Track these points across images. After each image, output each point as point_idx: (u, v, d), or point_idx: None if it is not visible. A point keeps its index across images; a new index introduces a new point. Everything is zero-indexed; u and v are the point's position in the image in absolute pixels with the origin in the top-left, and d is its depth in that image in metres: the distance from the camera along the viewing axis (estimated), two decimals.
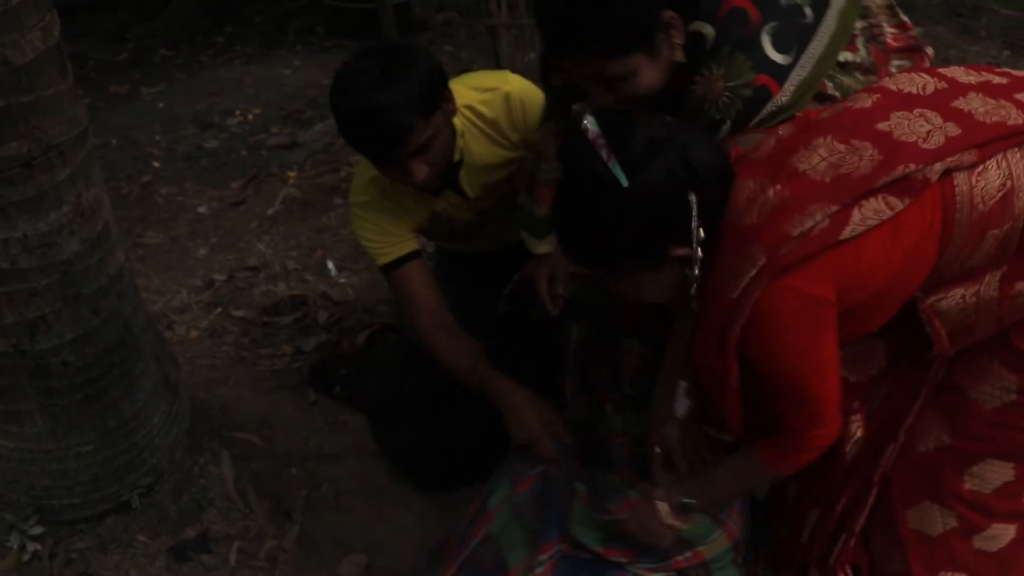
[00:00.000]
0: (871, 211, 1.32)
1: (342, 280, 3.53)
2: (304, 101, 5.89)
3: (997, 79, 1.48)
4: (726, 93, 1.56)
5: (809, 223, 1.31)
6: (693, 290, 1.45)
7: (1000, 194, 1.35)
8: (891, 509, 1.76)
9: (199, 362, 3.10)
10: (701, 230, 1.38)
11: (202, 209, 4.59)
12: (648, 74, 1.56)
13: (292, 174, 4.87)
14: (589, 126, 1.38)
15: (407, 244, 2.19)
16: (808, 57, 1.60)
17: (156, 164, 5.16)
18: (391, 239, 2.17)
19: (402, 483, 2.43)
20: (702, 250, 1.40)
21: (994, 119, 1.37)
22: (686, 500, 1.70)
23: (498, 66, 4.22)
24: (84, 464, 2.25)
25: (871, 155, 1.34)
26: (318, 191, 4.62)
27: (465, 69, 5.94)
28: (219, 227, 4.37)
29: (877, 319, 1.48)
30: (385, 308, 3.24)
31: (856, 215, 1.32)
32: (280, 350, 3.08)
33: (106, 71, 6.42)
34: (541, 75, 2.00)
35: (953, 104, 1.40)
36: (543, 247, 2.18)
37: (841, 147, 1.37)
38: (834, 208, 1.31)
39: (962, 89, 1.44)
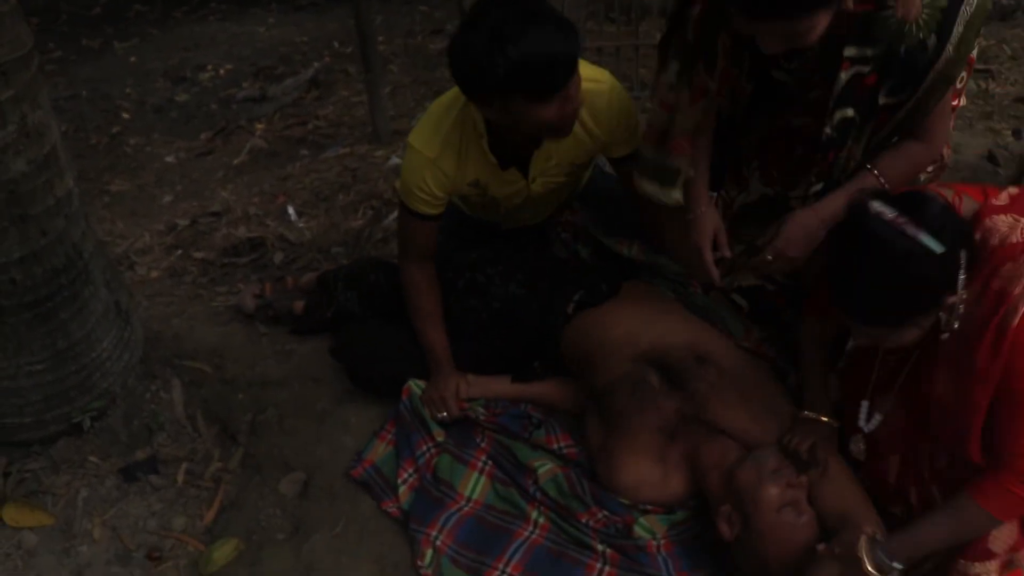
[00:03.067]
0: None
1: (301, 224, 3.60)
2: (276, 57, 5.94)
3: None
4: (925, 10, 1.66)
5: None
6: (948, 331, 1.63)
7: None
8: None
9: (157, 299, 3.18)
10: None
11: (169, 159, 4.65)
12: (824, 24, 1.64)
13: (260, 126, 4.93)
14: (884, 209, 1.54)
15: (437, 208, 2.28)
16: None
17: (126, 116, 5.21)
18: (428, 198, 2.24)
19: (342, 406, 2.51)
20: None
21: None
22: (895, 564, 1.75)
23: None
24: (35, 383, 2.31)
25: None
26: (285, 142, 4.68)
27: (439, 29, 6.00)
28: (185, 176, 4.44)
29: None
30: (339, 250, 3.32)
31: None
32: (236, 288, 3.15)
33: (79, 25, 6.42)
34: (671, 32, 2.00)
35: None
36: (675, 194, 2.12)
37: None
38: None
39: None
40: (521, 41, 1.82)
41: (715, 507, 1.95)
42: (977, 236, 1.64)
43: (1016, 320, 1.56)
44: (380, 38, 5.99)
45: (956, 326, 1.62)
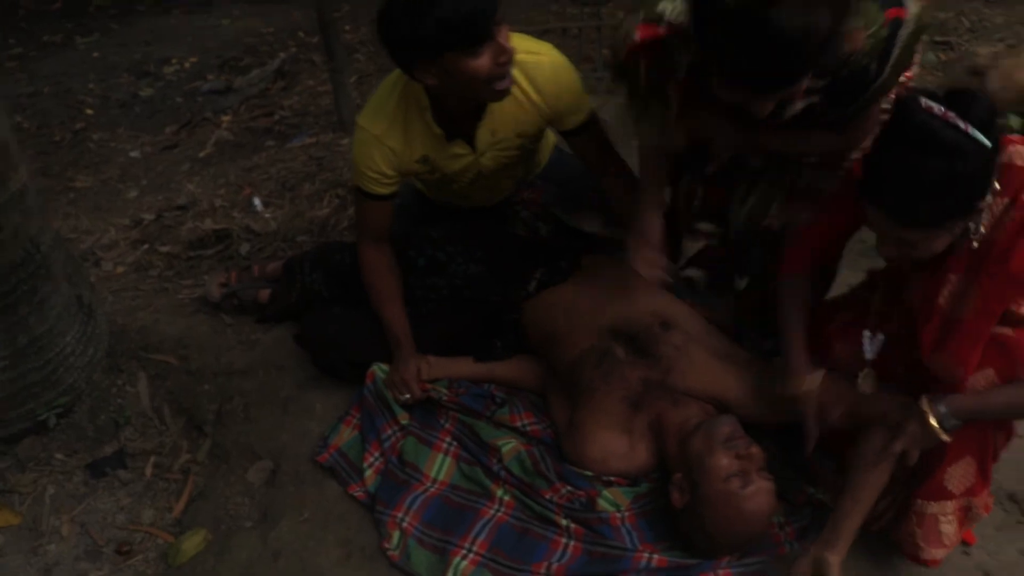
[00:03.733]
0: None
1: (267, 215, 3.59)
2: (242, 48, 5.90)
3: None
4: (868, 41, 1.72)
5: None
6: (977, 239, 1.65)
7: None
8: None
9: (123, 294, 3.16)
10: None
11: (134, 153, 4.62)
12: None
13: (226, 118, 4.90)
14: (935, 105, 1.54)
15: (389, 187, 2.30)
16: None
17: (89, 111, 5.16)
18: (378, 177, 2.25)
19: (307, 392, 2.52)
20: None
21: None
22: (953, 421, 1.79)
23: None
24: None
25: None
26: (250, 134, 4.66)
27: None
28: (150, 170, 4.41)
29: None
30: (305, 238, 3.31)
31: None
32: (202, 281, 3.13)
33: (39, 21, 6.36)
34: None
35: None
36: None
37: None
38: None
39: None
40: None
41: (672, 475, 1.98)
42: (1004, 158, 1.65)
43: None
44: (346, 27, 5.99)
45: (983, 232, 1.64)
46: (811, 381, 1.95)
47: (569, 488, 2.10)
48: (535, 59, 2.16)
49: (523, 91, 2.16)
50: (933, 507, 1.88)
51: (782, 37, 1.48)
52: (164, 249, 3.48)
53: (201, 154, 4.47)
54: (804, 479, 2.12)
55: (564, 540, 2.00)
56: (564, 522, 2.02)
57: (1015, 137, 1.70)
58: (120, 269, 3.40)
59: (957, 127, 1.51)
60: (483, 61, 1.95)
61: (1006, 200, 1.63)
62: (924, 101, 1.54)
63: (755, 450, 1.93)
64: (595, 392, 2.13)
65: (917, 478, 1.92)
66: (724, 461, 1.89)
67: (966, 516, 1.92)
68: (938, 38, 4.67)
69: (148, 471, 2.43)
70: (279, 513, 2.21)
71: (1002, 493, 2.16)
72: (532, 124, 2.26)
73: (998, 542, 2.04)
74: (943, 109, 1.53)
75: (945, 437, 1.78)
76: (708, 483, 1.89)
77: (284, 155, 4.21)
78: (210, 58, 5.77)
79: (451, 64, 1.94)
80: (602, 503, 2.06)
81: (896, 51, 1.75)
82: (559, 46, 2.28)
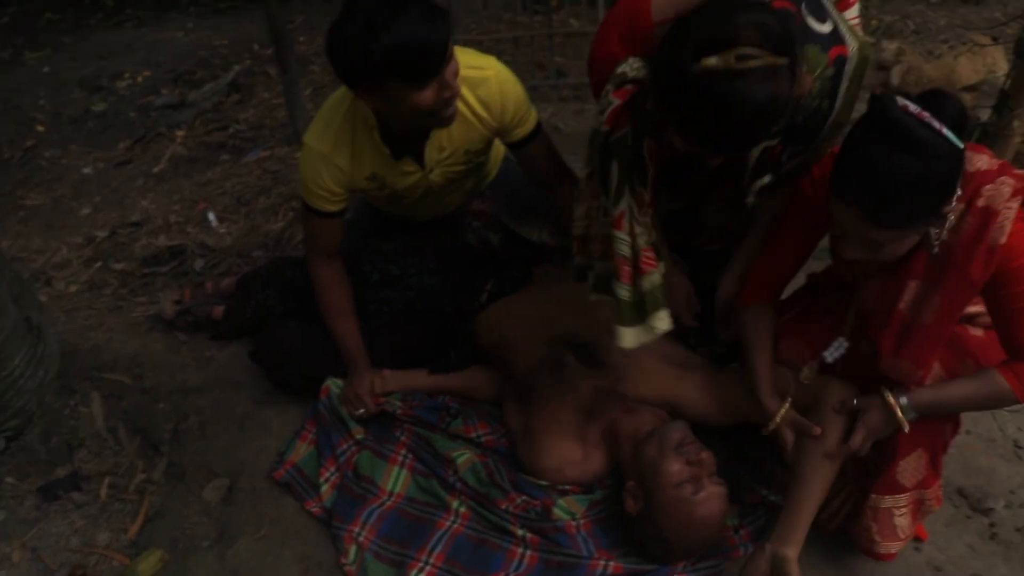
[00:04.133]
0: None
1: (222, 230, 3.57)
2: (195, 62, 5.85)
3: None
4: (815, 83, 1.74)
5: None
6: (937, 245, 1.67)
7: None
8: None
9: (76, 313, 3.13)
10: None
11: (87, 170, 4.57)
12: None
13: (180, 133, 4.86)
14: (910, 103, 1.53)
15: (338, 204, 2.29)
16: (832, 11, 1.78)
17: (40, 128, 5.09)
18: (327, 195, 2.25)
19: (263, 408, 2.51)
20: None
21: None
22: (912, 412, 1.82)
23: None
24: None
25: None
26: (205, 148, 4.63)
27: None
28: (104, 186, 4.36)
29: None
30: (260, 253, 3.30)
31: None
32: (156, 298, 3.11)
33: None
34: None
35: None
36: (660, 320, 1.93)
37: None
38: None
39: None
40: (392, 28, 1.84)
41: (626, 482, 2.00)
42: None
43: (1004, 238, 1.65)
44: (301, 38, 5.97)
45: (944, 238, 1.66)
46: (782, 412, 1.95)
47: (524, 498, 2.11)
48: (480, 74, 2.17)
49: (470, 107, 2.17)
50: (887, 501, 1.92)
51: (747, 109, 1.49)
52: (118, 267, 3.45)
53: (155, 169, 4.43)
54: (757, 481, 2.14)
55: (520, 550, 2.01)
56: (520, 532, 2.03)
57: (968, 144, 1.73)
58: (73, 288, 3.36)
59: (932, 127, 1.52)
60: (426, 95, 1.95)
61: (962, 206, 1.66)
62: (900, 100, 1.54)
63: (706, 455, 1.95)
64: (548, 401, 2.14)
65: (871, 474, 1.95)
66: (675, 467, 1.91)
67: (919, 509, 1.97)
68: (885, 40, 4.75)
69: (103, 492, 2.40)
70: (236, 531, 2.20)
71: (951, 488, 2.20)
72: (479, 139, 2.27)
73: (947, 537, 2.08)
74: (919, 108, 1.53)
75: (906, 428, 1.81)
76: (660, 489, 1.91)
77: (239, 169, 4.19)
78: (164, 72, 5.72)
79: (394, 93, 1.94)
80: (557, 512, 2.07)
81: (843, 87, 1.78)
82: (512, 54, 2.30)
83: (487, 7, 4.99)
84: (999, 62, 3.05)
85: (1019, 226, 1.67)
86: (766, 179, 1.94)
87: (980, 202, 1.66)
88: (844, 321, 1.95)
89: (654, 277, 1.89)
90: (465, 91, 2.13)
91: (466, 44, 4.64)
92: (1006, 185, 1.65)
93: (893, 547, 1.97)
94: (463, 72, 2.04)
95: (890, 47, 3.03)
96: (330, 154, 2.18)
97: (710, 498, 1.90)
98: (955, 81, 3.11)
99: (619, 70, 1.80)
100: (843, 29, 1.77)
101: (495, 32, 4.77)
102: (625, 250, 1.87)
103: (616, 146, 1.85)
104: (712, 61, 1.46)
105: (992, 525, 2.11)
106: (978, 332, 1.90)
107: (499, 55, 4.49)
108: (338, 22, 1.91)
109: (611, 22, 1.88)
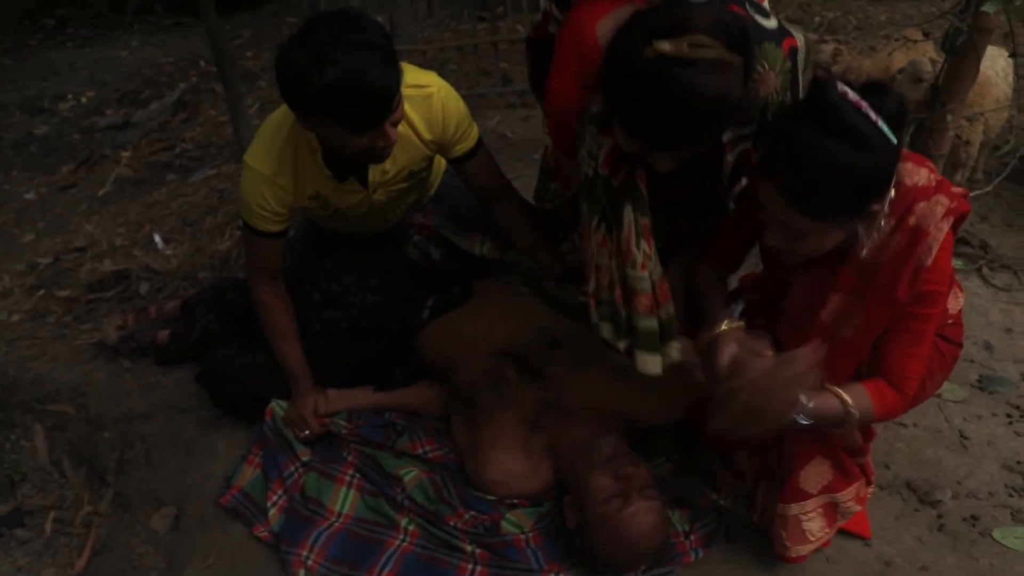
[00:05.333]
0: None
1: (168, 252, 3.52)
2: (141, 81, 5.78)
3: None
4: (778, 79, 1.76)
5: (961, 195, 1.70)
6: (866, 246, 1.66)
7: None
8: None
9: (18, 343, 3.06)
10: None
11: (30, 195, 4.49)
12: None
13: (125, 154, 4.80)
14: (850, 91, 1.49)
15: (280, 224, 2.25)
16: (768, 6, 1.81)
17: None
18: (269, 215, 2.21)
19: (210, 433, 2.47)
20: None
21: None
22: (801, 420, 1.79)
23: None
24: None
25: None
26: (151, 168, 4.57)
27: None
28: (47, 212, 4.28)
29: None
30: (206, 274, 3.25)
31: None
32: (101, 324, 3.06)
33: None
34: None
35: None
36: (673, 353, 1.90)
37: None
38: None
39: None
40: (341, 65, 1.80)
41: (566, 496, 1.99)
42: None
43: (930, 260, 1.65)
44: (248, 53, 5.92)
45: (874, 241, 1.65)
46: (728, 323, 1.88)
47: (473, 513, 2.09)
48: (423, 92, 2.15)
49: (412, 127, 2.16)
50: (793, 508, 1.94)
51: (693, 99, 1.49)
52: (62, 294, 3.39)
53: (100, 192, 4.36)
54: (707, 485, 2.15)
55: (470, 566, 1.99)
56: (469, 548, 2.02)
57: (907, 152, 1.73)
58: (16, 317, 3.29)
59: (868, 117, 1.49)
60: (362, 141, 1.94)
61: (892, 222, 1.66)
62: (840, 85, 1.51)
63: (633, 471, 1.93)
64: (492, 415, 2.13)
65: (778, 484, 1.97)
66: (603, 482, 1.90)
67: (835, 511, 1.98)
68: (828, 37, 4.81)
69: (48, 527, 2.35)
70: (184, 560, 2.16)
71: (899, 482, 2.22)
72: (422, 159, 2.26)
73: (896, 531, 2.09)
74: (857, 97, 1.50)
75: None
76: (589, 505, 1.90)
77: (186, 189, 4.14)
78: (108, 92, 5.65)
79: (328, 129, 1.93)
80: (506, 526, 2.06)
81: (801, 77, 1.80)
82: (458, 63, 2.29)
83: (432, 15, 4.98)
84: (932, 56, 3.09)
85: (946, 249, 1.67)
86: (745, 182, 1.94)
87: (911, 220, 1.66)
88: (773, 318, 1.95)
89: (671, 308, 1.87)
90: (408, 110, 2.10)
91: (411, 55, 4.66)
92: (939, 205, 1.65)
93: (804, 550, 1.98)
94: (405, 91, 2.01)
95: (827, 48, 3.06)
96: (272, 175, 2.14)
97: (638, 513, 1.88)
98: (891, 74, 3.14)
99: (593, 109, 1.78)
100: (783, 23, 1.80)
101: (440, 41, 4.76)
102: (646, 286, 1.84)
103: (624, 190, 1.82)
104: (664, 46, 1.46)
105: (940, 517, 2.13)
106: None
107: (445, 63, 4.50)
108: (292, 42, 1.87)
109: (562, 67, 1.85)
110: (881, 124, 1.50)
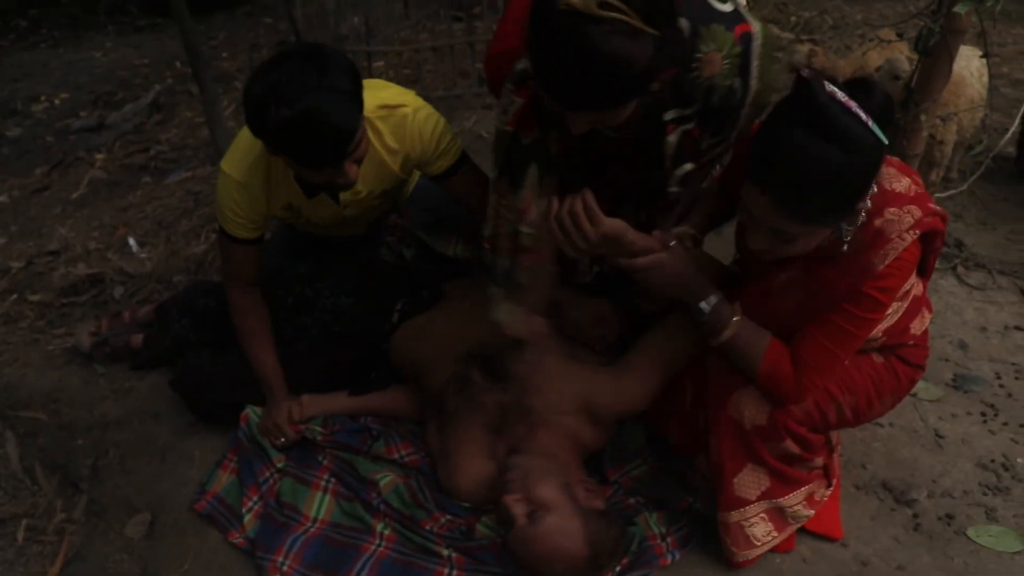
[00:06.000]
0: None
1: (143, 255, 3.48)
2: (115, 82, 5.73)
3: None
4: (725, 62, 1.72)
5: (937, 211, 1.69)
6: (848, 242, 1.64)
7: None
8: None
9: None
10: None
11: (2, 198, 4.44)
12: (629, 110, 1.66)
13: (100, 156, 4.75)
14: (839, 92, 1.46)
15: (254, 231, 2.24)
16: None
17: None
18: (243, 222, 2.20)
19: (185, 439, 2.45)
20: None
21: None
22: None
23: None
24: None
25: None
26: (126, 171, 4.53)
27: (284, 41, 5.88)
28: (20, 215, 4.24)
29: None
30: (181, 277, 3.22)
31: None
32: (75, 329, 3.02)
33: None
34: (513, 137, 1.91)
35: None
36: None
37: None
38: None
39: None
40: (295, 104, 1.78)
41: None
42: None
43: (882, 266, 1.64)
44: (224, 54, 5.88)
45: (849, 238, 1.63)
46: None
47: (449, 517, 2.09)
48: (396, 113, 2.12)
49: (386, 147, 2.14)
50: (734, 515, 1.95)
51: (592, 57, 1.48)
52: (35, 298, 3.34)
53: (74, 195, 4.32)
54: (684, 489, 2.15)
55: (447, 570, 1.98)
56: (446, 552, 2.00)
57: (896, 160, 1.73)
58: None
59: (859, 117, 1.46)
60: (319, 176, 1.95)
61: (861, 218, 1.64)
62: (828, 85, 1.47)
63: (537, 492, 1.91)
64: (460, 420, 2.12)
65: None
66: (509, 501, 1.91)
67: (782, 516, 1.99)
68: (804, 36, 4.83)
69: (20, 536, 2.31)
70: (159, 567, 2.13)
71: (875, 482, 2.23)
72: (394, 179, 2.25)
73: (873, 531, 2.10)
74: (846, 96, 1.47)
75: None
76: (504, 522, 1.93)
77: (161, 192, 4.10)
78: (82, 94, 5.60)
79: (287, 161, 1.94)
80: (481, 529, 2.05)
81: (754, 64, 1.76)
82: (434, 63, 2.27)
83: (409, 16, 4.96)
84: (906, 55, 3.11)
85: (905, 262, 1.67)
86: (688, 167, 1.92)
87: (877, 222, 1.65)
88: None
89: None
90: (382, 128, 2.10)
91: (387, 56, 4.64)
92: (909, 215, 1.64)
93: (751, 554, 1.99)
94: (378, 113, 2.01)
95: (802, 49, 3.06)
96: (247, 183, 2.13)
97: (537, 537, 1.87)
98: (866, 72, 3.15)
99: (518, 67, 1.79)
100: (743, 10, 1.78)
101: (416, 42, 4.74)
102: (530, 242, 1.92)
103: (532, 150, 1.84)
104: (575, 0, 1.45)
105: (916, 516, 2.14)
106: (879, 360, 1.92)
107: (421, 64, 4.48)
108: (257, 73, 1.86)
109: (510, 17, 1.85)
110: (872, 124, 1.47)
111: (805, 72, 1.52)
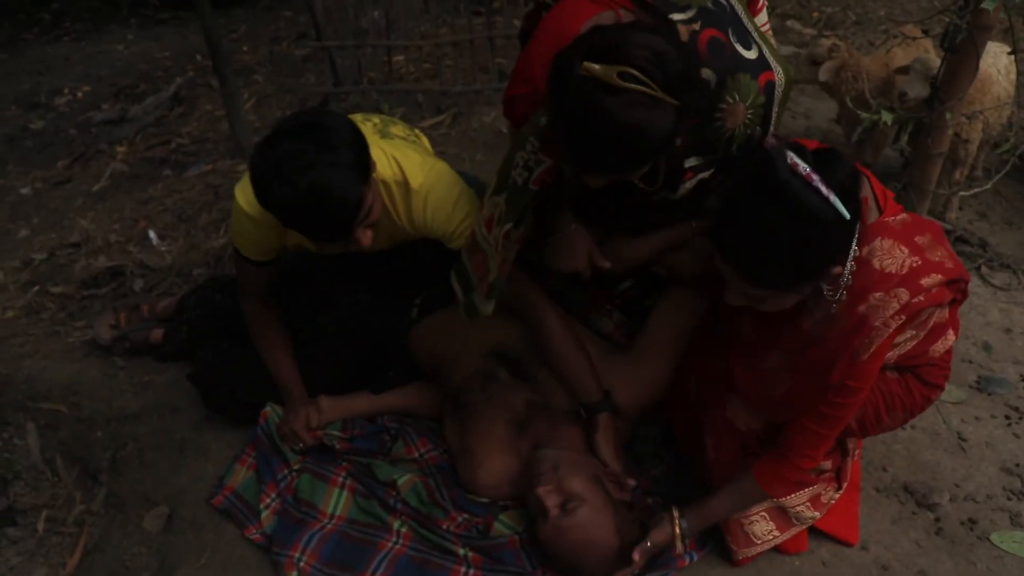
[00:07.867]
0: None
1: (163, 248, 3.49)
2: (137, 75, 5.74)
3: None
4: (748, 112, 1.72)
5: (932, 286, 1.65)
6: (836, 305, 1.61)
7: None
8: None
9: (12, 341, 3.04)
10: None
11: (25, 190, 4.46)
12: (646, 169, 1.65)
13: (121, 149, 4.76)
14: (800, 163, 1.45)
15: (268, 255, 2.22)
16: (757, 35, 1.76)
17: None
18: (260, 248, 2.18)
19: (202, 433, 2.46)
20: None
21: None
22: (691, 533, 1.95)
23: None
24: None
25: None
26: (147, 164, 4.53)
27: (304, 34, 5.89)
28: (42, 207, 4.26)
29: None
30: (201, 271, 3.23)
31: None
32: (95, 321, 3.03)
33: None
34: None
35: None
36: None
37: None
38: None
39: None
40: (295, 184, 1.75)
41: None
42: (864, 251, 1.63)
43: (866, 355, 1.63)
44: (244, 47, 5.88)
45: (841, 297, 1.60)
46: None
47: (466, 516, 2.08)
48: (405, 188, 2.07)
49: (397, 212, 2.11)
50: (742, 553, 1.99)
51: (611, 128, 1.46)
52: (56, 290, 3.36)
53: (95, 188, 4.33)
54: (700, 489, 2.13)
55: (463, 569, 1.97)
56: (462, 551, 2.00)
57: (890, 227, 1.69)
58: (10, 314, 3.27)
59: (819, 192, 1.45)
60: (334, 247, 1.98)
61: (847, 297, 1.61)
62: (791, 157, 1.47)
63: (568, 484, 1.91)
64: (482, 416, 2.12)
65: None
66: (539, 492, 1.90)
67: (784, 516, 1.99)
68: (827, 32, 4.79)
69: (40, 526, 2.33)
70: (177, 561, 2.14)
71: (897, 485, 2.21)
72: (407, 234, 2.20)
73: (894, 535, 2.08)
74: (807, 169, 1.46)
75: (680, 548, 1.93)
76: (535, 518, 1.93)
77: (181, 185, 4.11)
78: (104, 87, 5.61)
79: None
80: (499, 527, 2.05)
81: (775, 112, 1.76)
82: (454, 58, 2.24)
83: (428, 11, 4.95)
84: (931, 52, 3.07)
85: (883, 347, 1.65)
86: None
87: (861, 308, 1.63)
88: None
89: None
90: (396, 194, 2.07)
91: (407, 51, 4.63)
92: (896, 300, 1.62)
93: (751, 551, 2.00)
94: (395, 179, 2.02)
95: (825, 43, 3.03)
96: (260, 220, 2.07)
97: (571, 527, 1.88)
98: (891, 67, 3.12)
99: (540, 121, 1.75)
100: (767, 53, 1.76)
101: (436, 37, 4.73)
102: (508, 255, 1.95)
103: (541, 193, 1.84)
104: (595, 68, 1.43)
105: (937, 520, 2.12)
106: (893, 376, 1.90)
107: (441, 59, 4.47)
108: (260, 146, 1.82)
109: (535, 49, 1.80)
110: (833, 199, 1.46)
111: (768, 143, 1.53)
